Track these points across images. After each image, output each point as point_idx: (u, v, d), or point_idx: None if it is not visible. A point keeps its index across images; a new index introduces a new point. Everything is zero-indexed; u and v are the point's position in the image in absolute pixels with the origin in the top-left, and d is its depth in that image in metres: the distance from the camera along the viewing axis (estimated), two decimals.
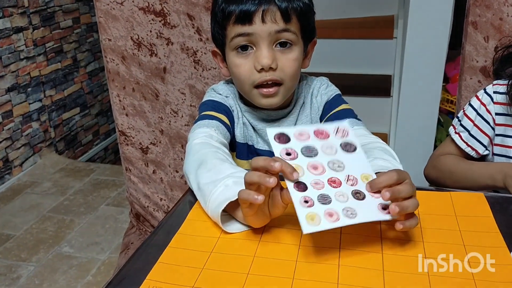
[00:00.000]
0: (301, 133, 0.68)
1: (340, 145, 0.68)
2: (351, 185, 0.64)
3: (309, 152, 0.66)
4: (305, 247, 0.66)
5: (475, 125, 1.06)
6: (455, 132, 1.10)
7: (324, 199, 0.62)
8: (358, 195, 0.63)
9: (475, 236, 0.67)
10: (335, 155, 0.67)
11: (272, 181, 0.61)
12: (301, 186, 0.62)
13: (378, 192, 0.63)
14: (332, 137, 0.68)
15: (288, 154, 0.66)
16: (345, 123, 0.70)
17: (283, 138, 0.67)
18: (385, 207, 0.63)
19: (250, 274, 0.60)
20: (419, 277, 0.59)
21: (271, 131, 0.67)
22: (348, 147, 0.68)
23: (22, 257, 1.90)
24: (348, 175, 0.65)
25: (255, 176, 0.62)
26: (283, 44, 0.86)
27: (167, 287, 0.58)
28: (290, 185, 0.62)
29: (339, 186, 0.64)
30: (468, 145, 1.07)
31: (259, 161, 0.62)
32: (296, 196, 0.62)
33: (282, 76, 0.87)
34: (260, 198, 0.61)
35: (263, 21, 0.83)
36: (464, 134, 1.07)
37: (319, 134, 0.68)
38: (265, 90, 0.88)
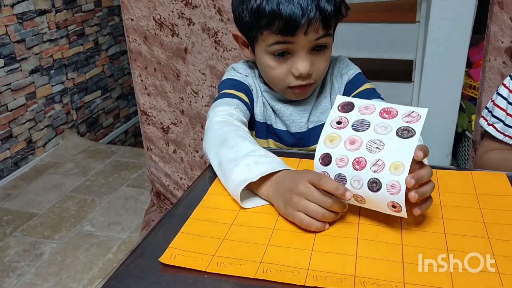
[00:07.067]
0: (367, 107, 0.66)
1: (398, 128, 0.62)
2: (374, 171, 0.60)
3: (360, 126, 0.65)
4: None
5: (508, 114, 1.04)
6: (488, 124, 1.07)
7: (340, 180, 0.63)
8: (374, 185, 0.60)
9: (496, 214, 0.67)
10: (384, 135, 0.62)
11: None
12: (326, 160, 0.64)
13: (397, 189, 0.58)
14: (398, 119, 0.63)
15: (339, 122, 0.66)
16: (424, 111, 0.62)
17: (347, 107, 0.67)
18: (394, 205, 0.59)
19: (270, 245, 0.61)
20: (439, 251, 0.59)
21: (340, 99, 0.68)
22: (405, 133, 0.61)
23: (45, 235, 1.94)
24: (378, 160, 0.61)
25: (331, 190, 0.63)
26: (320, 48, 0.86)
27: (189, 255, 0.59)
28: (317, 156, 0.65)
29: (361, 169, 0.61)
30: (506, 135, 1.05)
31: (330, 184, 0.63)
32: (316, 170, 0.65)
33: (316, 78, 0.89)
34: (320, 226, 0.64)
35: (305, 33, 0.81)
36: (499, 125, 1.05)
37: (385, 112, 0.64)
38: (298, 90, 0.89)
